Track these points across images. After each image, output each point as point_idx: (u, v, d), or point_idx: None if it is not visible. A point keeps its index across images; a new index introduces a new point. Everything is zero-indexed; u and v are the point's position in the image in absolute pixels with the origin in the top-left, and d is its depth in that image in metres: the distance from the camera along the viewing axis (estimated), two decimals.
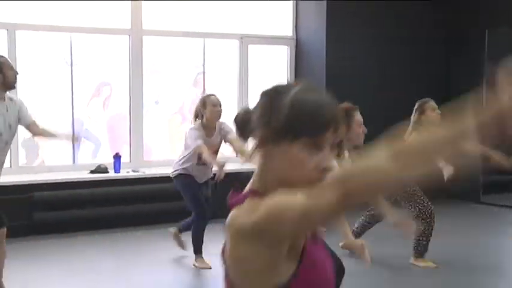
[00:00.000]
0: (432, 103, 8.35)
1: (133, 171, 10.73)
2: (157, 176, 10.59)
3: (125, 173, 10.59)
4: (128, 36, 10.89)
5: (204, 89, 11.43)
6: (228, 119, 11.04)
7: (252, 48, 11.75)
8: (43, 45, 10.42)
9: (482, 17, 11.93)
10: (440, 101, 11.99)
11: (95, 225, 10.00)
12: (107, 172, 10.46)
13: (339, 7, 11.32)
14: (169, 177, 10.19)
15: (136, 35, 10.90)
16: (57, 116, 10.26)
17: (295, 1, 12.08)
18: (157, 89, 11.44)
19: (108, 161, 10.65)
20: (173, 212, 10.20)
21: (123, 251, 9.39)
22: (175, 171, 8.82)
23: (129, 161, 10.95)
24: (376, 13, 11.54)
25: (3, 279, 6.64)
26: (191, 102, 11.41)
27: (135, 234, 10.10)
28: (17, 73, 5.86)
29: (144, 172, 10.74)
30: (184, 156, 8.55)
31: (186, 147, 8.53)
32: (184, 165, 8.62)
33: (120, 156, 10.58)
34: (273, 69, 12.01)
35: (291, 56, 12.22)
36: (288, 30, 12.21)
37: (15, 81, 5.88)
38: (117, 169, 10.50)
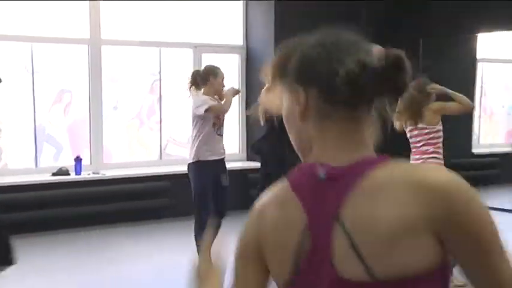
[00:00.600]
0: None
1: (94, 173, 10.79)
2: (117, 177, 10.80)
3: (85, 175, 10.64)
4: (87, 45, 10.92)
5: (160, 95, 11.67)
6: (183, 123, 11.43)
7: (205, 57, 11.80)
8: (5, 54, 10.35)
9: (416, 26, 12.29)
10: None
11: (57, 225, 10.01)
12: (68, 174, 10.49)
13: (286, 17, 11.56)
14: (128, 178, 10.77)
15: (95, 44, 10.98)
16: (19, 122, 10.38)
17: (244, 12, 12.30)
18: (115, 95, 11.47)
19: (69, 163, 10.64)
20: (133, 212, 10.68)
21: (83, 250, 9.37)
22: (191, 158, 8.34)
23: (89, 163, 11.00)
24: (323, 23, 11.82)
25: None
26: (148, 107, 11.74)
27: (95, 234, 10.12)
28: (1, 80, 5.74)
29: (104, 174, 10.80)
30: (196, 136, 8.13)
31: (196, 121, 8.08)
32: (200, 149, 8.18)
33: (81, 159, 10.65)
34: (225, 78, 12.17)
35: (242, 64, 12.43)
36: (238, 40, 12.42)
37: None
38: (78, 171, 10.56)
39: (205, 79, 8.11)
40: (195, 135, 8.01)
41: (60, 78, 11.00)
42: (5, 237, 5.45)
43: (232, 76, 11.91)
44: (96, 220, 10.41)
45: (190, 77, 8.30)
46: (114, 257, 8.99)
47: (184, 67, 11.63)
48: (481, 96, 13.60)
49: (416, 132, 7.55)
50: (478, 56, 13.08)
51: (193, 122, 8.06)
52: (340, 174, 1.69)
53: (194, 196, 8.22)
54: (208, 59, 11.62)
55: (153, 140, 11.92)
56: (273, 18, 11.73)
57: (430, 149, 7.51)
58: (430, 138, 7.51)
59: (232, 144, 12.12)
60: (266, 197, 1.89)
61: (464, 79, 12.54)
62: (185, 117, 11.62)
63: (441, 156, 7.55)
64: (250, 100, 11.84)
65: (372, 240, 1.60)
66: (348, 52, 1.75)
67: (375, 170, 1.69)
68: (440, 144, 7.53)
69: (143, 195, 10.96)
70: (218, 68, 8.24)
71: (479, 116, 13.46)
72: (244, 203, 9.38)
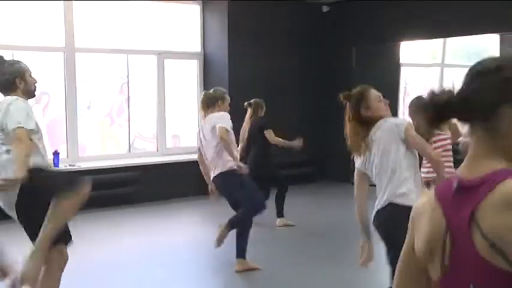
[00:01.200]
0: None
1: (70, 165, 10.70)
2: (91, 168, 10.59)
3: (62, 166, 10.49)
4: (62, 53, 10.83)
5: (128, 96, 11.63)
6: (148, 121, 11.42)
7: (168, 62, 11.87)
8: None
9: (349, 36, 12.44)
10: (315, 104, 12.68)
11: None
12: (48, 166, 10.64)
13: (238, 27, 11.63)
14: (101, 169, 10.73)
15: (69, 51, 10.87)
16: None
17: (202, 21, 12.23)
18: (89, 96, 11.39)
19: (48, 157, 10.88)
20: (105, 199, 10.49)
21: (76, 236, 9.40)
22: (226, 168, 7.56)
23: (66, 156, 10.89)
24: (269, 33, 11.82)
25: None
26: (117, 107, 11.71)
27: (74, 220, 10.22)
28: (36, 81, 5.30)
29: (79, 166, 10.70)
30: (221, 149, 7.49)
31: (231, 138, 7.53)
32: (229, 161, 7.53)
33: (58, 153, 10.51)
34: (186, 79, 12.20)
35: (200, 69, 12.35)
36: (196, 47, 12.33)
37: (35, 89, 5.44)
38: (56, 164, 10.38)
39: (214, 102, 7.79)
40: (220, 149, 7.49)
41: (39, 82, 10.87)
42: None
43: (192, 79, 12.09)
44: None
45: (202, 99, 7.90)
46: (88, 238, 8.78)
47: (149, 71, 11.72)
48: (404, 95, 13.85)
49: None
50: (402, 61, 13.27)
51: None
52: (472, 186, 1.72)
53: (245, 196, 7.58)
54: (171, 64, 11.86)
55: (123, 135, 11.90)
56: (227, 27, 11.75)
57: None
58: None
59: (193, 138, 12.20)
60: (421, 203, 1.95)
61: (390, 81, 12.76)
62: (150, 116, 11.85)
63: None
64: None
65: (509, 243, 1.61)
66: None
67: (504, 183, 1.67)
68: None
69: (114, 184, 10.82)
70: (226, 93, 7.95)
71: (403, 112, 13.73)
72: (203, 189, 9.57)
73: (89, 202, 10.13)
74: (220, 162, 7.41)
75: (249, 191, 7.40)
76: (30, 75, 5.24)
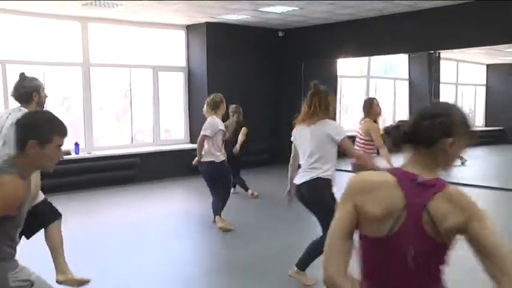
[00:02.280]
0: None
1: (87, 153, 10.76)
2: (103, 155, 10.78)
3: (82, 154, 10.59)
4: (80, 67, 10.85)
5: (130, 100, 11.65)
6: (146, 119, 11.55)
7: (161, 74, 11.91)
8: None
9: (299, 54, 12.53)
10: (273, 107, 12.88)
11: (64, 189, 9.67)
12: (70, 154, 10.36)
13: (214, 47, 11.70)
14: (110, 156, 10.72)
15: (85, 66, 10.89)
16: None
17: (186, 42, 12.23)
18: (100, 100, 11.34)
19: (70, 147, 10.47)
20: (113, 179, 10.62)
21: (81, 205, 9.20)
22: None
23: (84, 146, 10.90)
24: (238, 51, 11.87)
25: None
26: (122, 108, 11.73)
27: (89, 194, 9.98)
28: (47, 96, 5.16)
29: (94, 154, 10.77)
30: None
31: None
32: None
33: (78, 144, 10.57)
34: (174, 87, 12.17)
35: (185, 80, 12.33)
36: (183, 62, 12.30)
37: (45, 102, 4.91)
38: (76, 152, 10.51)
39: (217, 106, 7.57)
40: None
41: (63, 89, 11.00)
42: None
43: (179, 87, 12.14)
44: (89, 185, 10.35)
45: (209, 102, 7.56)
46: (101, 209, 9.03)
47: (146, 81, 11.73)
48: (340, 99, 14.14)
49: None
50: (338, 73, 13.40)
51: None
52: (430, 184, 1.96)
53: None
54: (164, 76, 11.90)
55: (127, 130, 11.87)
56: (205, 46, 11.76)
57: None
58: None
59: (181, 132, 12.40)
60: (371, 175, 2.12)
61: (330, 88, 13.08)
62: (147, 115, 11.83)
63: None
64: (191, 103, 12.12)
65: (444, 226, 1.88)
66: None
67: (448, 187, 1.95)
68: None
69: (120, 167, 10.90)
70: (223, 99, 7.74)
71: (340, 112, 14.01)
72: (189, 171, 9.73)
73: (101, 181, 10.30)
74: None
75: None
76: (43, 90, 4.95)
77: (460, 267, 4.51)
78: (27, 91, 4.79)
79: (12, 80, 5.35)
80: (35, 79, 4.93)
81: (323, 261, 2.00)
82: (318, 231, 4.93)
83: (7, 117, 4.72)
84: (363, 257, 2.09)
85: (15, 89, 4.85)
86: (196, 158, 7.35)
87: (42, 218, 4.92)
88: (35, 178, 3.92)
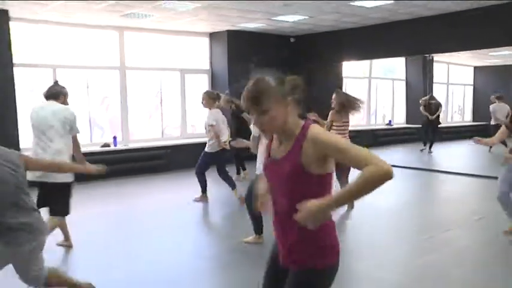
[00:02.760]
0: None
1: (124, 145, 10.89)
2: (137, 147, 10.87)
3: (119, 146, 10.75)
4: (118, 70, 10.97)
5: (161, 99, 11.74)
6: (174, 116, 11.63)
7: (187, 76, 11.95)
8: (68, 78, 10.10)
9: (309, 58, 12.40)
10: None
11: (103, 176, 10.16)
12: (109, 146, 10.60)
13: (234, 52, 11.76)
14: (144, 148, 10.74)
15: (122, 69, 11.00)
16: (81, 116, 10.27)
17: (210, 47, 12.27)
18: (135, 99, 11.38)
19: (109, 140, 10.74)
20: (146, 168, 10.72)
21: (119, 190, 9.28)
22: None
23: (121, 139, 11.02)
24: (255, 55, 11.55)
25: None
26: (154, 106, 11.82)
27: (125, 181, 10.02)
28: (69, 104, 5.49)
29: (130, 146, 10.89)
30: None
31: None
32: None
33: (116, 137, 10.76)
34: (199, 88, 11.63)
35: (209, 81, 12.35)
36: (206, 65, 12.34)
37: (67, 103, 5.42)
38: (115, 144, 10.70)
39: (216, 99, 7.88)
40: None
41: (103, 90, 11.13)
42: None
43: (203, 88, 11.81)
44: (125, 173, 10.42)
45: (206, 96, 7.83)
46: (135, 193, 9.03)
47: (175, 82, 11.81)
48: None
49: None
50: (344, 75, 13.46)
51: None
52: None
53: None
54: (190, 78, 11.93)
55: (158, 125, 11.94)
56: (226, 51, 11.83)
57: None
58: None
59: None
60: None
61: (332, 89, 13.17)
62: (176, 112, 11.87)
63: None
64: None
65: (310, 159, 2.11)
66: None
67: (312, 128, 2.15)
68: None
69: (152, 158, 10.96)
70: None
71: None
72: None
73: (136, 170, 10.47)
74: None
75: None
76: (67, 96, 5.44)
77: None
78: (58, 92, 5.35)
79: (63, 81, 5.78)
80: (63, 87, 5.47)
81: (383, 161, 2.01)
82: None
83: (41, 108, 5.28)
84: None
85: (48, 89, 5.37)
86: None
87: (53, 205, 5.22)
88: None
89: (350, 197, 2.01)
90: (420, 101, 13.84)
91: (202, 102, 7.83)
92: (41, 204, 4.85)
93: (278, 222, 2.31)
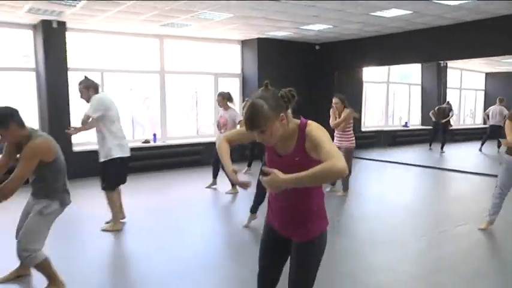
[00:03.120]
0: None
1: (163, 142, 10.98)
2: (175, 144, 10.98)
3: (158, 143, 10.85)
4: (158, 74, 11.09)
5: (196, 100, 11.81)
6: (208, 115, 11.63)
7: (221, 80, 11.96)
8: (113, 80, 10.49)
9: (333, 64, 12.51)
10: (311, 107, 12.93)
11: (144, 169, 10.12)
12: (149, 142, 10.72)
13: (264, 58, 11.76)
14: (181, 144, 10.80)
15: (162, 73, 11.11)
16: (124, 116, 10.42)
17: (241, 53, 12.30)
18: (173, 100, 11.46)
19: (149, 137, 10.88)
20: (183, 163, 10.82)
21: (158, 182, 9.37)
22: None
23: (160, 137, 11.12)
24: (283, 61, 11.83)
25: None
26: (190, 107, 11.88)
27: (163, 174, 10.15)
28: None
29: (168, 143, 10.98)
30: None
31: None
32: None
33: (155, 134, 10.88)
34: (231, 91, 12.01)
35: (240, 85, 12.33)
36: (238, 70, 12.36)
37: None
38: (154, 141, 10.82)
39: (230, 100, 8.15)
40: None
41: (144, 92, 11.24)
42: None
43: (235, 91, 12.13)
44: (164, 167, 10.59)
45: (223, 96, 8.10)
46: (172, 185, 9.16)
47: (209, 85, 11.87)
48: (365, 101, 14.25)
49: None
50: (364, 79, 13.53)
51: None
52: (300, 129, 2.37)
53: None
54: (223, 81, 11.97)
55: (193, 124, 11.99)
56: (257, 56, 11.86)
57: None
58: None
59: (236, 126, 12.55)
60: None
61: (357, 91, 13.12)
62: (210, 112, 11.93)
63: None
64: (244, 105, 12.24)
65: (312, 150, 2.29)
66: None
67: (308, 126, 2.36)
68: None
69: (188, 154, 11.05)
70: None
71: (364, 112, 14.13)
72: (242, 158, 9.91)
73: (173, 164, 10.60)
74: None
75: None
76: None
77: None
78: (91, 84, 5.80)
79: (109, 84, 6.06)
80: (94, 82, 5.89)
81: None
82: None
83: (110, 99, 5.83)
84: None
85: (96, 83, 5.85)
86: None
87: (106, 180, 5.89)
88: None
89: (308, 180, 2.10)
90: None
91: (218, 104, 8.14)
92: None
93: (281, 209, 2.54)
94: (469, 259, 4.93)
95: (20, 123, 3.70)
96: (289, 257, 2.62)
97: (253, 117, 2.28)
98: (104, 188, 5.93)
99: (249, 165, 10.17)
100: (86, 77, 5.88)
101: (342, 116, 7.61)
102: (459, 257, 4.97)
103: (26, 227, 3.81)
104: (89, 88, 5.76)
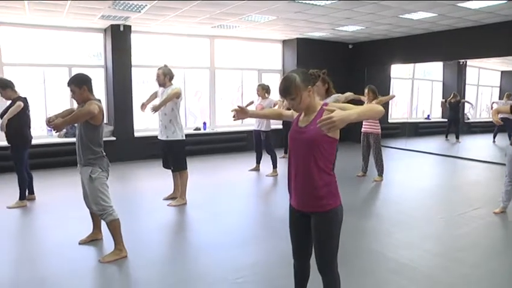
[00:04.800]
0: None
1: (212, 129, 11.03)
2: (223, 131, 11.03)
3: (208, 130, 10.89)
4: (208, 69, 11.16)
5: (242, 92, 11.76)
6: (251, 107, 11.66)
7: (264, 75, 11.96)
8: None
9: (363, 61, 12.40)
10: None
11: (195, 154, 10.14)
12: (200, 130, 10.77)
13: (303, 56, 11.65)
14: (227, 132, 10.83)
15: (212, 69, 11.18)
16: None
17: (282, 52, 12.25)
18: (222, 93, 11.50)
19: (200, 125, 10.93)
20: (229, 148, 10.90)
21: (207, 165, 9.29)
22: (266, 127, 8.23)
23: (209, 125, 11.17)
24: (320, 59, 11.40)
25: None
26: (236, 98, 11.80)
27: (212, 158, 10.22)
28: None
29: (216, 130, 11.04)
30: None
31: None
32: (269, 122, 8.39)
33: (205, 123, 10.93)
34: (273, 85, 12.04)
35: (281, 79, 12.50)
36: (279, 66, 12.33)
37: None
38: (204, 128, 10.85)
39: (268, 91, 8.33)
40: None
41: (196, 85, 11.26)
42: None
43: (276, 85, 12.27)
44: (212, 151, 10.66)
45: (262, 87, 8.25)
46: (219, 167, 9.18)
47: (253, 80, 11.80)
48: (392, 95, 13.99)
49: None
50: (392, 75, 13.34)
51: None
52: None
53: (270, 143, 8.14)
54: (265, 76, 11.94)
55: None
56: (296, 54, 11.79)
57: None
58: None
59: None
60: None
61: (385, 86, 12.89)
62: (254, 104, 12.10)
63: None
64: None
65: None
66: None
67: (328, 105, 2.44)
68: None
69: (234, 140, 11.10)
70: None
71: (391, 105, 13.90)
72: (282, 143, 9.87)
73: (220, 150, 10.67)
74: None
75: None
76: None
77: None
78: (170, 74, 5.98)
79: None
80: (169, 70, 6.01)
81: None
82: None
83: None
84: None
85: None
86: None
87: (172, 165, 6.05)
88: None
89: (357, 115, 2.21)
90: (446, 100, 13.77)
91: (257, 93, 8.23)
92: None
93: (299, 182, 2.58)
94: (485, 238, 4.86)
95: (90, 89, 4.11)
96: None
97: (286, 87, 2.50)
98: (175, 169, 6.08)
99: (286, 152, 10.16)
100: (166, 65, 6.02)
101: (383, 97, 7.60)
102: (476, 236, 4.90)
103: (89, 193, 4.12)
104: (166, 75, 5.88)
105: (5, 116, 5.73)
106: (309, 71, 2.61)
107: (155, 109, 5.69)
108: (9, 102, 5.83)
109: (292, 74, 2.53)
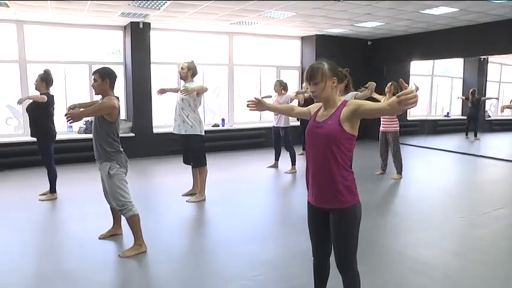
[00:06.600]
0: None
1: (230, 126, 11.09)
2: (241, 128, 11.10)
3: (226, 127, 10.96)
4: (227, 66, 11.20)
5: (260, 89, 11.75)
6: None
7: (282, 72, 11.96)
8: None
9: (382, 58, 12.34)
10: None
11: (213, 150, 10.16)
12: (218, 126, 10.84)
13: (321, 52, 11.59)
14: (246, 128, 10.84)
15: (230, 66, 11.21)
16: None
17: (301, 48, 12.25)
18: (240, 90, 11.53)
19: (218, 121, 11.02)
20: (247, 144, 10.92)
21: (225, 160, 9.44)
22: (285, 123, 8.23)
23: (228, 121, 11.23)
24: (338, 55, 11.95)
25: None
26: (253, 95, 12.13)
27: (230, 154, 10.29)
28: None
29: (235, 127, 11.10)
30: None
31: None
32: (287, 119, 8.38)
33: (224, 119, 11.00)
34: (291, 82, 11.66)
35: (299, 77, 12.15)
36: (297, 63, 12.31)
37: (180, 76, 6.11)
38: (223, 124, 10.93)
39: (285, 88, 8.25)
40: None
41: (215, 81, 11.30)
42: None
43: (294, 81, 12.12)
44: (231, 148, 10.73)
45: (280, 83, 8.18)
46: (238, 163, 9.25)
47: (271, 77, 11.76)
48: None
49: None
50: (411, 72, 13.20)
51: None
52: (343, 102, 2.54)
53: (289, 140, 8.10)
54: (284, 73, 11.93)
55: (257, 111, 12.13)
56: (315, 51, 11.77)
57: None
58: None
59: None
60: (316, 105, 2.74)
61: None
62: (271, 99, 12.11)
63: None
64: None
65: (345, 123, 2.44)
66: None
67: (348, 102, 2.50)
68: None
69: (252, 137, 11.15)
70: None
71: None
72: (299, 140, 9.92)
73: (239, 146, 10.70)
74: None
75: None
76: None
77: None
78: (194, 71, 6.03)
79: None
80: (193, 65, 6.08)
81: None
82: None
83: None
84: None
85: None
86: None
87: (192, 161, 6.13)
88: None
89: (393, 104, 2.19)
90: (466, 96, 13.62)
91: (274, 89, 8.23)
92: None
93: (318, 176, 2.56)
94: (506, 240, 4.75)
95: (112, 85, 4.17)
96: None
97: (313, 70, 2.53)
98: (195, 166, 6.11)
99: (304, 149, 10.14)
100: (193, 61, 6.09)
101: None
102: (497, 238, 4.80)
103: (108, 189, 4.16)
104: (190, 69, 5.96)
105: (29, 96, 5.97)
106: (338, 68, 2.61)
107: (187, 91, 5.70)
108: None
109: (321, 61, 2.57)
